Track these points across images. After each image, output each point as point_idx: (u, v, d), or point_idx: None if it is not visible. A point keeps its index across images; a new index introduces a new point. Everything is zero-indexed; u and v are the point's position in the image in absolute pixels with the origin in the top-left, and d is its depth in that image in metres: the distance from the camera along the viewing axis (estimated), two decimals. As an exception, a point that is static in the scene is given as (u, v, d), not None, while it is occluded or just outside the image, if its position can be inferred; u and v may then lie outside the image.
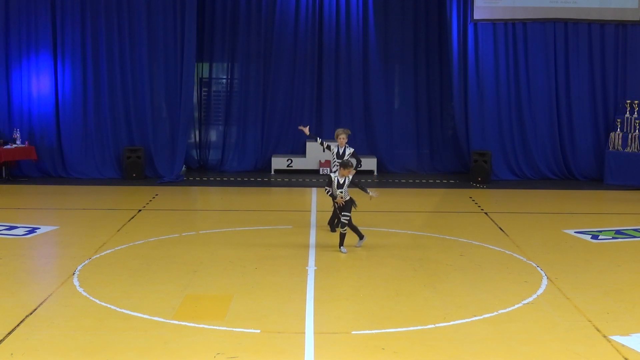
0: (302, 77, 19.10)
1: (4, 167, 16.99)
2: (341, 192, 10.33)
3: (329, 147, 11.70)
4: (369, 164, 18.58)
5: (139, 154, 17.54)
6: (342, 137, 11.58)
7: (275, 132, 19.18)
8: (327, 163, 18.38)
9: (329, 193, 10.75)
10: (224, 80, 19.54)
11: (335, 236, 11.06)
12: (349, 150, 11.50)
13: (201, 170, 19.33)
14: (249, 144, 19.13)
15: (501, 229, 12.19)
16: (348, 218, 10.37)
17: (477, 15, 18.02)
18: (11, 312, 7.66)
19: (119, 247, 10.58)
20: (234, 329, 7.24)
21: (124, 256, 10.14)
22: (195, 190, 16.82)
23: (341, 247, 10.41)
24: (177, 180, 17.29)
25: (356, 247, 10.57)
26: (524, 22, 18.09)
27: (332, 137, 18.71)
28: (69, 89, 17.71)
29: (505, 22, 18.14)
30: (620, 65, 18.14)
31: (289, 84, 19.08)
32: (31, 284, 8.72)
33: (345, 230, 10.42)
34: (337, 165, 10.99)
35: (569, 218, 13.45)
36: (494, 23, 18.14)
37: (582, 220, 13.14)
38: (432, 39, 19.21)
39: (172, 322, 7.46)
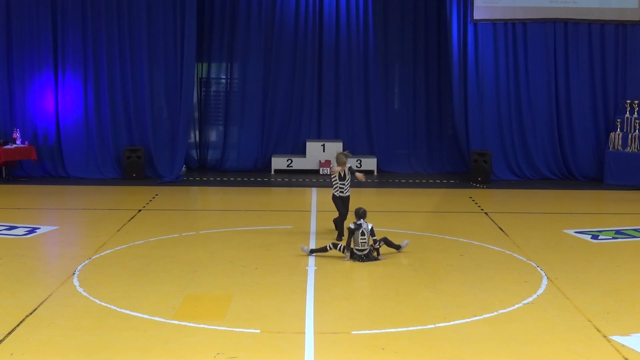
0: (302, 77, 19.11)
1: (4, 167, 16.99)
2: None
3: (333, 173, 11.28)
4: (369, 164, 18.58)
5: (139, 154, 17.55)
6: (345, 163, 11.08)
7: (275, 132, 19.18)
8: (327, 163, 18.37)
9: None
10: (224, 80, 19.55)
11: (335, 235, 11.12)
12: (349, 170, 11.16)
13: (201, 170, 19.33)
14: (249, 144, 19.13)
15: (501, 229, 12.19)
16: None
17: (477, 15, 18.02)
18: (11, 312, 7.66)
19: (119, 247, 10.58)
20: (234, 329, 7.24)
21: (124, 256, 10.13)
22: (195, 190, 16.82)
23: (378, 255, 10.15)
24: (177, 180, 17.29)
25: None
26: (524, 22, 18.09)
27: (332, 137, 18.97)
28: (69, 89, 17.71)
29: (505, 22, 18.14)
30: (620, 65, 18.14)
31: (289, 84, 19.09)
32: (31, 284, 8.72)
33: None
34: (340, 188, 11.05)
35: (569, 218, 13.44)
36: (494, 23, 18.14)
37: (582, 220, 13.14)
38: (431, 39, 19.22)
39: (172, 322, 7.46)
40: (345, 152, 11.35)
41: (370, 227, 9.97)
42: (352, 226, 10.01)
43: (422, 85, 19.38)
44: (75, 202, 15.24)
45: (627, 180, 17.16)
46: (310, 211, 13.83)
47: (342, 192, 11.16)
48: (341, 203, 11.20)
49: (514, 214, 13.78)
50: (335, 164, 11.27)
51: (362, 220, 10.02)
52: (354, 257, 9.95)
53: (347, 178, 11.15)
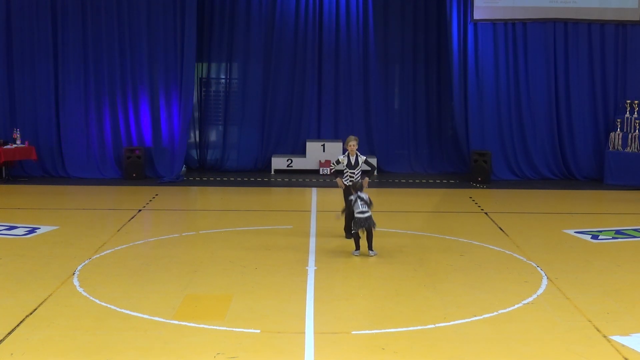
0: (302, 77, 19.12)
1: (4, 167, 17.00)
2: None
3: (337, 162, 11.08)
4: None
5: (139, 154, 17.55)
6: (352, 144, 10.92)
7: (275, 132, 19.19)
8: (327, 163, 18.39)
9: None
10: (224, 80, 19.56)
11: (335, 235, 11.10)
12: (361, 159, 10.96)
13: (201, 170, 19.34)
14: (249, 144, 19.14)
15: (501, 229, 12.19)
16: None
17: (477, 15, 18.02)
18: (11, 312, 7.66)
19: (119, 247, 10.58)
20: (234, 329, 7.24)
21: (124, 256, 10.13)
22: (195, 190, 16.82)
23: (370, 250, 10.22)
24: (177, 180, 17.29)
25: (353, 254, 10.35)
26: (524, 22, 18.10)
27: (332, 137, 18.97)
28: (69, 89, 17.72)
29: (505, 22, 18.15)
30: (620, 65, 18.15)
31: (289, 84, 19.10)
32: (31, 284, 8.71)
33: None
34: (350, 177, 10.91)
35: (569, 218, 13.45)
36: (494, 23, 18.15)
37: (582, 220, 13.14)
38: (431, 39, 19.23)
39: (172, 322, 7.45)
40: (354, 137, 11.15)
41: (367, 196, 10.22)
42: (352, 197, 10.22)
43: (422, 85, 19.39)
44: (75, 202, 15.23)
45: (627, 180, 17.16)
46: (310, 211, 13.83)
47: (352, 181, 11.00)
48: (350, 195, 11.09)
49: (514, 214, 13.78)
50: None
51: (359, 192, 10.23)
52: (355, 220, 10.08)
53: (357, 167, 10.95)
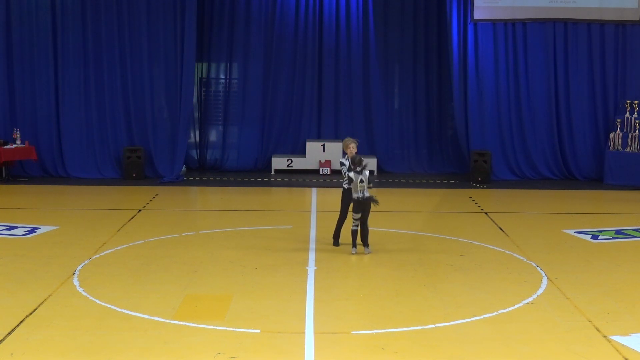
0: (302, 77, 19.11)
1: (4, 167, 16.99)
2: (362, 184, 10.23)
3: (342, 164, 10.69)
4: (369, 164, 18.49)
5: (139, 154, 17.54)
6: (353, 147, 10.62)
7: (275, 132, 19.18)
8: (327, 163, 18.40)
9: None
10: (224, 80, 19.55)
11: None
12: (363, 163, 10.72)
13: (201, 170, 19.33)
14: (249, 144, 19.13)
15: (501, 229, 12.19)
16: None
17: (477, 15, 18.02)
18: (11, 312, 7.66)
19: (119, 247, 10.58)
20: (234, 329, 7.24)
21: (124, 256, 10.14)
22: (195, 190, 16.82)
23: (365, 248, 10.30)
24: (177, 180, 17.29)
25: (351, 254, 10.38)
26: (524, 22, 18.09)
27: (332, 137, 18.97)
28: (69, 89, 17.71)
29: (505, 22, 18.14)
30: (620, 65, 18.14)
31: (289, 84, 19.09)
32: (31, 284, 8.72)
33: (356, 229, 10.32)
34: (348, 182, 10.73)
35: (569, 218, 13.45)
36: (493, 23, 18.15)
37: (582, 220, 13.14)
38: (431, 39, 19.23)
39: (172, 322, 7.46)
40: (353, 140, 10.83)
41: (367, 174, 10.30)
42: (352, 174, 10.24)
43: (422, 85, 19.39)
44: (75, 202, 15.24)
45: (627, 180, 17.16)
46: (310, 211, 13.83)
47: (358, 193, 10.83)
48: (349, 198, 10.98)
49: (514, 214, 13.79)
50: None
51: (359, 168, 10.27)
52: (356, 203, 10.22)
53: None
